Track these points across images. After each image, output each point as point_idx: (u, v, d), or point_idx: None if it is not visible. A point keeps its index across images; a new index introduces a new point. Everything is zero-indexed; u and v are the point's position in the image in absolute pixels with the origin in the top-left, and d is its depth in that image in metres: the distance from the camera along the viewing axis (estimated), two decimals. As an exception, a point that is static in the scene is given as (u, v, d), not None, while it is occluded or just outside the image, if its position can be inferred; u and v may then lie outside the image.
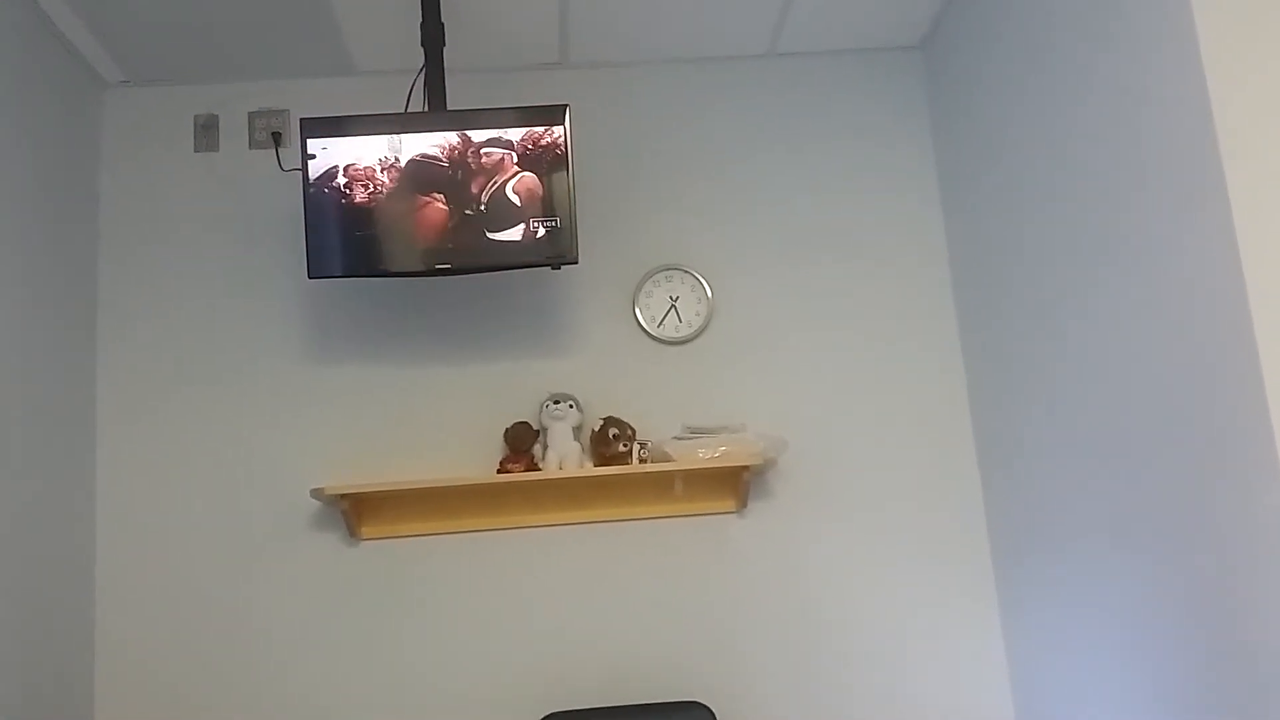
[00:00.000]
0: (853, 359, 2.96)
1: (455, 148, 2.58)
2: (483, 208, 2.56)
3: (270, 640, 2.78)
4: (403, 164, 2.56)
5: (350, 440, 2.87)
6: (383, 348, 2.92)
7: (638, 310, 2.96)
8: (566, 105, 2.62)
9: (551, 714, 2.69)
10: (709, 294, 2.96)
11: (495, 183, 2.57)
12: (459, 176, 2.57)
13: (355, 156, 2.56)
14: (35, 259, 2.61)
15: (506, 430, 2.81)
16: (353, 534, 2.81)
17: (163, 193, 2.98)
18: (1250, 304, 1.73)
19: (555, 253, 2.58)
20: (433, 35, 2.67)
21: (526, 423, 2.81)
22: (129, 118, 3.01)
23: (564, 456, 2.76)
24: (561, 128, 2.60)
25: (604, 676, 2.78)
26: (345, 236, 2.56)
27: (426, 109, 2.66)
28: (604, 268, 2.95)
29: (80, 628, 2.71)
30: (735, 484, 2.81)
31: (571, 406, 2.80)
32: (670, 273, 2.97)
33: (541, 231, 2.57)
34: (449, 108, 2.66)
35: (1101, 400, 2.23)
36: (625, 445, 2.77)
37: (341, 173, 2.56)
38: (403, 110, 2.73)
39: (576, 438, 2.79)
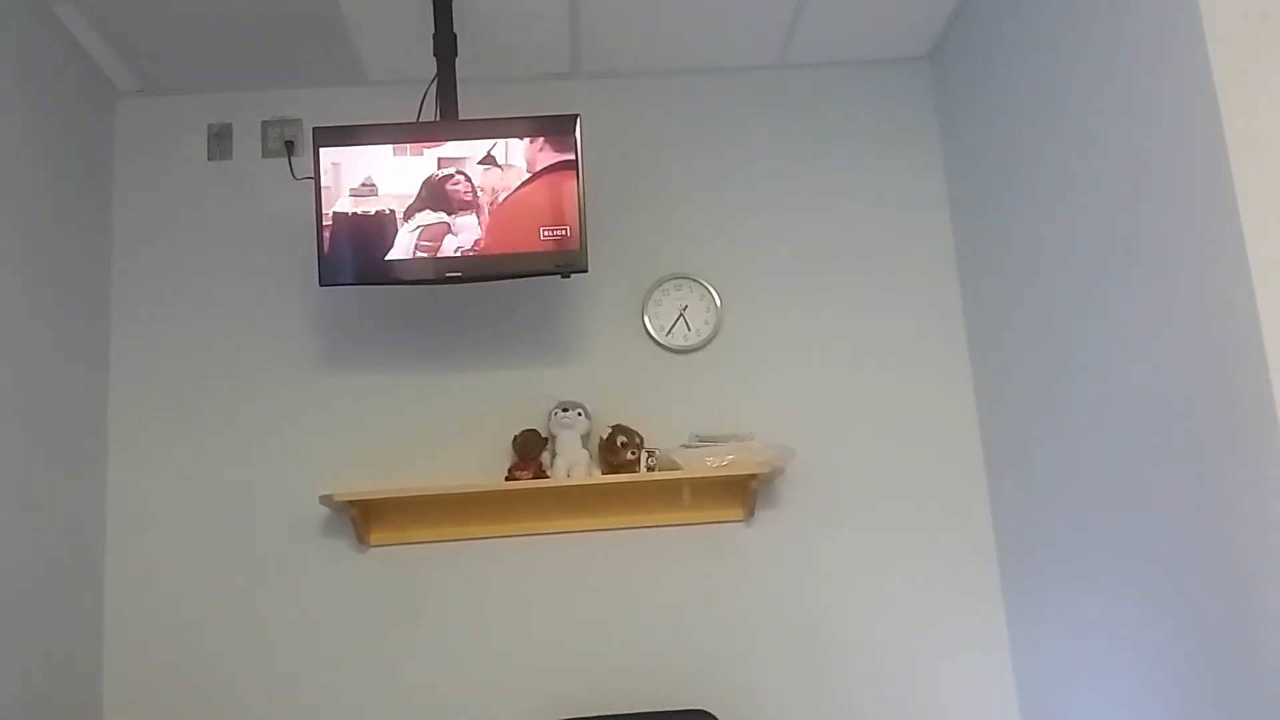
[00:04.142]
0: (861, 369, 2.96)
1: (466, 157, 2.59)
2: (493, 217, 2.58)
3: (278, 646, 2.78)
4: (414, 174, 2.58)
5: (359, 447, 2.88)
6: (392, 355, 2.94)
7: (647, 319, 2.97)
8: (577, 115, 2.64)
9: (558, 721, 2.70)
10: (718, 303, 2.97)
11: (505, 191, 2.59)
12: (469, 186, 2.58)
13: (369, 167, 2.59)
14: (49, 266, 2.63)
15: (515, 437, 2.82)
16: (361, 540, 2.82)
17: (176, 201, 3.00)
18: (1260, 315, 1.73)
19: (565, 261, 2.60)
20: (445, 45, 2.69)
21: (535, 430, 2.82)
22: (143, 126, 3.03)
23: (572, 464, 2.77)
24: (572, 137, 2.61)
25: (610, 684, 2.78)
26: (356, 245, 2.57)
27: (438, 118, 2.68)
28: (613, 276, 2.96)
29: (89, 632, 2.73)
30: (743, 493, 2.82)
31: (580, 414, 2.81)
32: (679, 281, 2.98)
33: (551, 240, 2.59)
34: (460, 117, 2.67)
35: (1109, 412, 2.23)
36: (633, 453, 2.77)
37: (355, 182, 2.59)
38: (415, 119, 2.75)
39: (585, 445, 2.80)
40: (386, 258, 2.57)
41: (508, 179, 2.59)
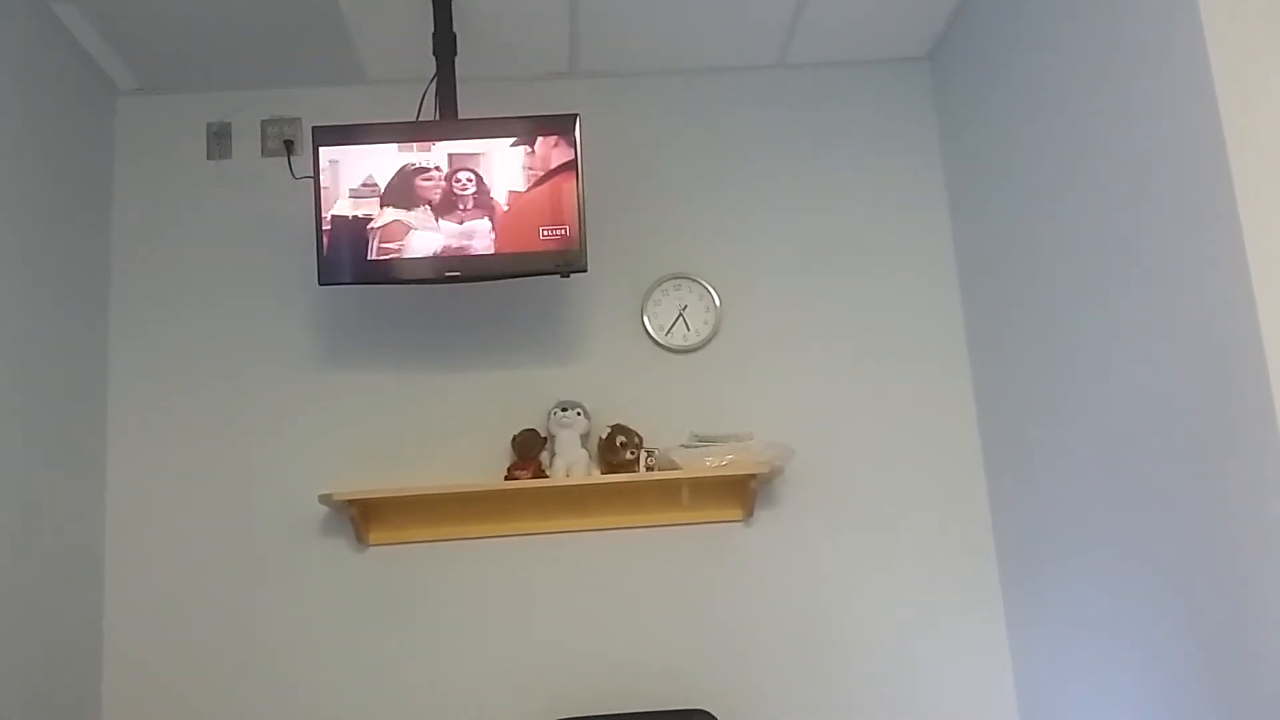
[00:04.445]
0: (860, 369, 2.96)
1: (465, 156, 2.59)
2: (492, 216, 2.58)
3: (277, 645, 2.78)
4: (413, 172, 2.58)
5: (358, 446, 2.88)
6: (392, 354, 2.93)
7: (646, 319, 2.96)
8: (576, 115, 2.63)
9: (557, 721, 2.70)
10: (717, 303, 2.97)
11: (504, 191, 2.59)
12: (468, 186, 2.58)
13: (367, 167, 2.58)
14: (48, 265, 2.63)
15: (514, 437, 2.82)
16: (360, 540, 2.82)
17: (175, 200, 3.00)
18: (1259, 315, 1.73)
19: (564, 261, 2.60)
20: (444, 44, 2.69)
21: (534, 430, 2.82)
22: (142, 125, 3.03)
23: (571, 464, 2.77)
24: (571, 137, 2.61)
25: (610, 683, 2.78)
26: (355, 244, 2.57)
27: (438, 118, 2.68)
28: (612, 276, 2.96)
29: (88, 631, 2.72)
30: (742, 493, 2.81)
31: (579, 414, 2.80)
32: (679, 281, 2.98)
33: (551, 240, 2.58)
34: (460, 116, 2.67)
35: (1109, 412, 2.23)
36: (632, 453, 2.77)
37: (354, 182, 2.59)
38: (414, 119, 2.75)
39: (584, 445, 2.80)
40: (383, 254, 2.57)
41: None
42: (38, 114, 2.60)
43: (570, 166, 2.60)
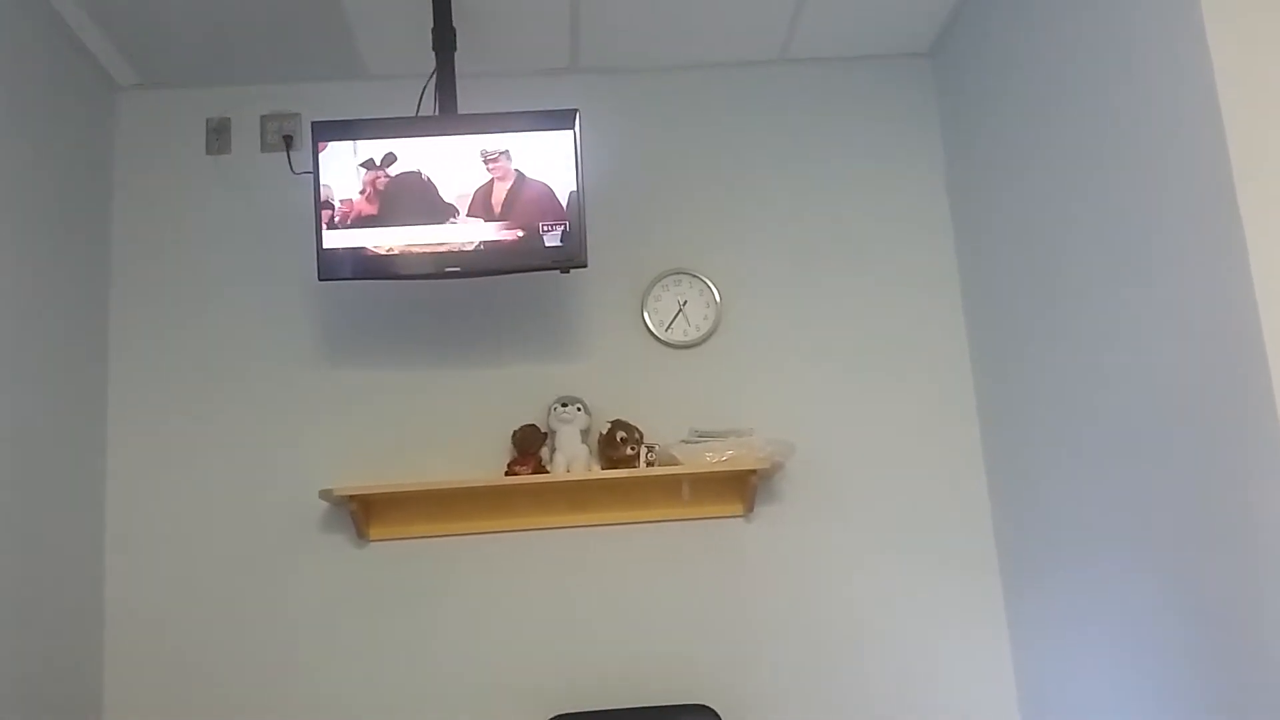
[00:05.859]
0: (861, 364, 2.96)
1: (466, 151, 2.59)
2: (493, 211, 2.58)
3: (278, 640, 2.79)
4: (414, 168, 2.58)
5: (359, 442, 2.88)
6: (392, 350, 2.93)
7: (646, 314, 2.96)
8: (576, 110, 2.63)
9: (558, 716, 2.70)
10: (717, 298, 2.97)
11: (505, 186, 2.59)
12: (468, 181, 2.58)
13: (368, 162, 2.59)
14: (47, 261, 2.62)
15: (514, 433, 2.82)
16: (361, 535, 2.82)
17: (175, 195, 3.00)
18: (1261, 320, 1.72)
19: (564, 256, 2.59)
20: (444, 39, 2.69)
21: (534, 425, 2.82)
22: (142, 120, 3.03)
23: (571, 459, 2.77)
24: (571, 132, 2.61)
25: (610, 679, 2.78)
26: (355, 239, 2.57)
27: (437, 113, 2.67)
28: (613, 272, 2.96)
29: (89, 627, 2.73)
30: (742, 488, 2.82)
31: (579, 409, 2.81)
32: (679, 277, 2.98)
33: (551, 235, 2.58)
34: (460, 111, 2.67)
35: (1110, 411, 2.23)
36: (633, 449, 2.78)
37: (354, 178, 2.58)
38: (414, 114, 2.74)
39: (584, 441, 2.80)
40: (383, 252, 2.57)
41: (507, 173, 2.59)
42: (37, 109, 2.60)
43: (570, 162, 2.60)
